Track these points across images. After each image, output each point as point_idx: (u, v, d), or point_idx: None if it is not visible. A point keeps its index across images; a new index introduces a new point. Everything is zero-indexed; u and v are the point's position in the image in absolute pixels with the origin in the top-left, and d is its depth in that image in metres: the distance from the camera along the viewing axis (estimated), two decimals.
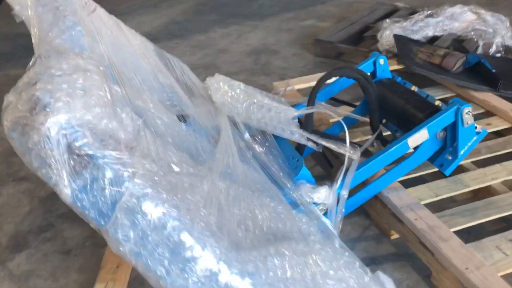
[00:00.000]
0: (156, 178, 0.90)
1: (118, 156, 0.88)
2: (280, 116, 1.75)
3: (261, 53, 3.64)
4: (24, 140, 0.85)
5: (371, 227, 1.95)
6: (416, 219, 1.72)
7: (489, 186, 1.95)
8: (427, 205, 1.81)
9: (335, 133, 2.18)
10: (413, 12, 3.73)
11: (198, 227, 0.92)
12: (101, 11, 1.90)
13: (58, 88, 0.89)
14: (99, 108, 0.92)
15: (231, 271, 0.91)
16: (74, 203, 0.87)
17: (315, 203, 1.62)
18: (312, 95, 1.83)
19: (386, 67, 2.17)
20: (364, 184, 1.83)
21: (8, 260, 1.89)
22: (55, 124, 0.84)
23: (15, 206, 2.19)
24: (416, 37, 3.24)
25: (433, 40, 3.20)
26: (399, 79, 2.19)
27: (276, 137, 1.79)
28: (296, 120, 1.76)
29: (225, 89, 1.82)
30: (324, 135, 1.76)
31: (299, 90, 2.65)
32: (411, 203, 1.80)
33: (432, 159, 1.86)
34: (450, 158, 1.81)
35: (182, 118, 1.76)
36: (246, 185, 1.31)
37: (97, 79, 0.98)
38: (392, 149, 1.73)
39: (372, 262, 1.78)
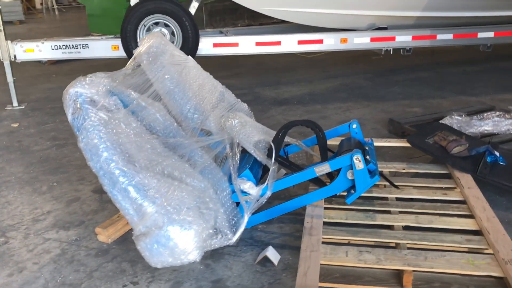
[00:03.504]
0: (104, 122, 2.12)
1: (91, 109, 2.14)
2: (251, 139, 2.78)
3: None
4: (64, 96, 2.20)
5: (301, 231, 2.74)
6: (308, 222, 2.51)
7: (393, 225, 2.54)
8: (338, 224, 2.56)
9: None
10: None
11: (112, 147, 2.09)
12: (191, 65, 3.26)
13: (85, 79, 2.23)
14: (94, 91, 2.20)
15: (116, 164, 2.05)
16: (71, 123, 2.16)
17: (243, 192, 2.59)
18: (277, 133, 2.80)
19: (359, 130, 2.96)
20: (292, 197, 2.70)
21: None
22: (72, 91, 2.17)
23: None
24: (471, 130, 3.73)
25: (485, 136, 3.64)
26: (371, 141, 2.95)
27: (246, 153, 2.80)
28: (257, 143, 2.75)
29: (231, 120, 2.92)
30: (270, 157, 2.69)
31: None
32: (316, 215, 2.57)
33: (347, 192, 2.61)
34: (352, 192, 2.54)
35: (205, 130, 2.97)
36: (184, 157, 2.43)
37: (107, 83, 2.29)
38: (302, 172, 2.58)
39: (279, 247, 2.59)
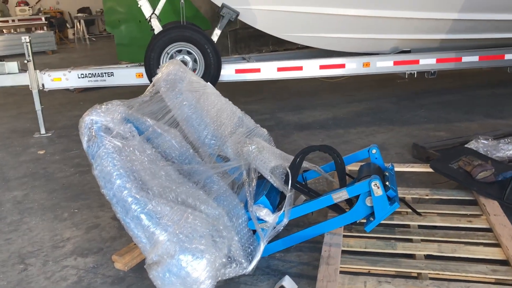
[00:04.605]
0: (118, 149, 2.12)
1: (106, 136, 2.15)
2: (268, 165, 2.74)
3: None
4: (80, 123, 2.23)
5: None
6: (325, 251, 2.44)
7: (414, 254, 2.45)
8: (357, 253, 2.49)
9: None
10: None
11: (126, 174, 2.08)
12: (210, 91, 3.28)
13: (100, 107, 2.25)
14: (110, 119, 2.22)
15: (128, 192, 2.04)
16: (86, 150, 2.17)
17: (260, 220, 2.54)
18: (294, 159, 2.76)
19: (378, 155, 2.89)
20: (311, 224, 2.63)
21: None
22: (87, 119, 2.19)
23: None
24: (498, 154, 3.61)
25: None
26: (391, 167, 2.88)
27: (264, 179, 2.76)
28: (274, 169, 2.71)
29: (248, 146, 2.90)
30: (287, 183, 2.64)
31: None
32: (334, 243, 2.50)
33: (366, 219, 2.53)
34: (371, 219, 2.47)
35: (222, 156, 2.96)
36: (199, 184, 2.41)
37: (122, 110, 2.31)
38: (319, 198, 2.52)
39: (297, 276, 2.52)
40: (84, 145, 2.19)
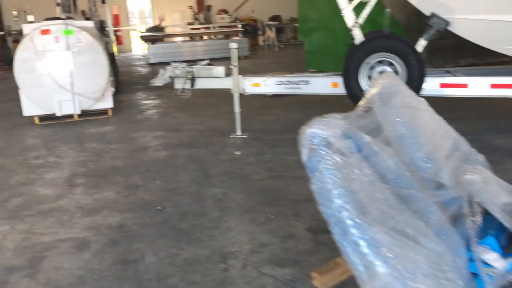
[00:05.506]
0: (338, 166, 2.00)
1: (327, 151, 2.04)
2: (497, 200, 2.37)
3: None
4: (301, 135, 2.16)
5: None
6: None
7: None
8: None
9: None
10: None
11: (346, 194, 1.94)
12: (423, 108, 3.02)
13: (322, 120, 2.16)
14: (330, 133, 2.11)
15: (348, 214, 1.89)
16: (305, 162, 2.09)
17: (485, 264, 2.20)
18: None
19: None
20: None
21: None
22: (309, 131, 2.11)
23: None
24: None
25: None
26: None
27: (487, 216, 2.39)
28: (505, 205, 2.33)
29: (471, 175, 2.55)
30: None
31: None
32: None
33: None
34: None
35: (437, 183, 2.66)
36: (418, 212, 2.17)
37: (342, 124, 2.18)
38: None
39: None
40: (304, 157, 2.13)
